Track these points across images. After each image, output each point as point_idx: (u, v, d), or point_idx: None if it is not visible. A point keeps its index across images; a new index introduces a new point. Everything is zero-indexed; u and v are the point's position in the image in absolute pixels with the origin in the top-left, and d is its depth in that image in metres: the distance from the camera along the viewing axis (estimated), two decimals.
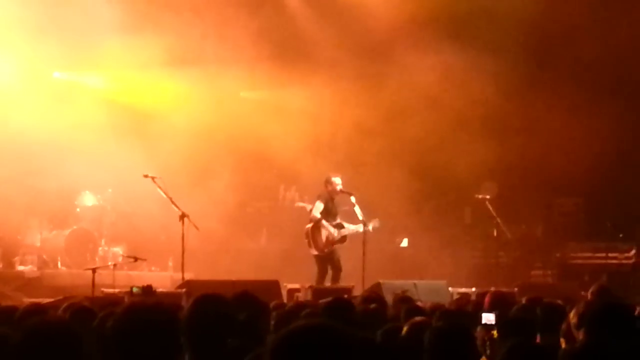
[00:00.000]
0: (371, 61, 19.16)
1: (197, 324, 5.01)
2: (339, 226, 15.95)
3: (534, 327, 6.69)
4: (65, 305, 6.69)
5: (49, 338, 3.92)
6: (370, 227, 15.77)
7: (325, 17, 18.89)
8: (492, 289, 10.78)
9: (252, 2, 18.72)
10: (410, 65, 18.31)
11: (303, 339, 2.63)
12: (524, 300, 8.89)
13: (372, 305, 7.50)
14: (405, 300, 9.08)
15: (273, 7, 18.97)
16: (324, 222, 15.90)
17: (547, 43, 19.07)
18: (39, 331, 3.97)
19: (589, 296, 9.69)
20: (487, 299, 8.90)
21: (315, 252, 15.98)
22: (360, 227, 15.76)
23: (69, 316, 6.30)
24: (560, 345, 6.96)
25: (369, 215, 15.94)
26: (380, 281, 14.19)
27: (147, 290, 10.65)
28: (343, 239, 15.97)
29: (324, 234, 15.93)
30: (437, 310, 7.43)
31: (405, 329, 5.77)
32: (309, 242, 15.99)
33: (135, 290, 10.33)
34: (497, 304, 8.24)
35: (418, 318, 6.08)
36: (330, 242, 15.90)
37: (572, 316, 6.56)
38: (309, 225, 15.95)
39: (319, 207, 15.92)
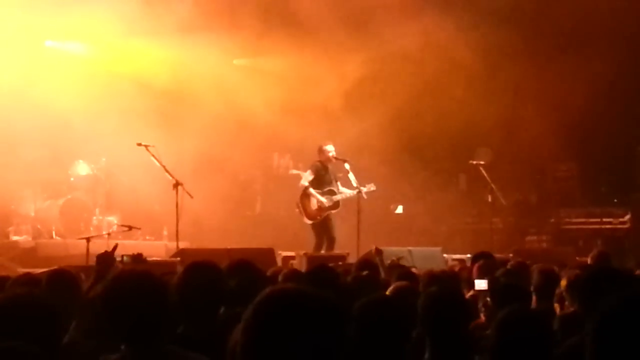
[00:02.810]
0: (355, 27, 18.97)
1: (188, 291, 4.98)
2: (331, 192, 15.92)
3: (526, 293, 6.69)
4: (47, 273, 6.64)
5: (23, 310, 3.90)
6: (365, 190, 15.76)
7: None
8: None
9: None
10: (394, 31, 18.18)
11: (274, 304, 2.60)
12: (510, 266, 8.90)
13: (365, 272, 7.48)
14: (397, 267, 9.08)
15: None
16: (311, 190, 15.88)
17: (529, 4, 18.84)
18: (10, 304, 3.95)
19: (589, 261, 9.74)
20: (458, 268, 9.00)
21: (308, 221, 15.98)
22: (354, 192, 15.76)
23: (50, 283, 6.29)
24: (554, 310, 6.97)
25: (363, 182, 15.92)
26: None
27: (137, 258, 10.62)
28: (335, 205, 15.94)
29: (313, 202, 15.92)
30: (429, 275, 7.42)
31: (387, 293, 5.75)
32: (300, 211, 16.00)
33: (125, 259, 10.27)
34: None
35: (399, 283, 6.05)
36: (322, 209, 15.89)
37: (566, 281, 6.55)
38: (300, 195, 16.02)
39: (307, 176, 15.96)
